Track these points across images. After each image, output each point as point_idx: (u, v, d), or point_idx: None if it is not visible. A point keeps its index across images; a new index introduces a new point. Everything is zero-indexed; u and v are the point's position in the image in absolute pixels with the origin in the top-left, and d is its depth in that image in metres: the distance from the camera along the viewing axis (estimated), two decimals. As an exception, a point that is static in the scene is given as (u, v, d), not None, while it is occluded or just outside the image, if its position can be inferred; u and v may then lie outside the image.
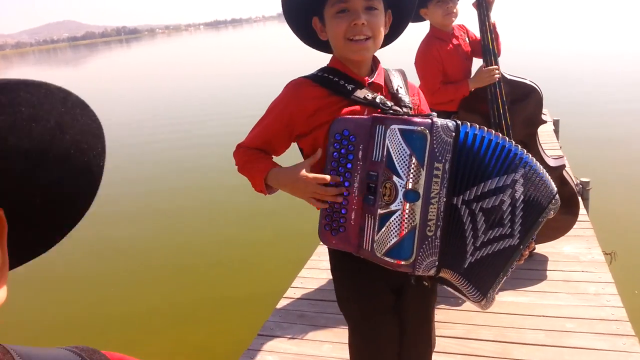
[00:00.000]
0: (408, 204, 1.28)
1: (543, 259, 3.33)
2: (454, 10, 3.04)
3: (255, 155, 1.51)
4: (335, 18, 1.41)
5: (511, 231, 1.35)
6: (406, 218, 1.29)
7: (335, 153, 1.38)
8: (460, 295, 1.47)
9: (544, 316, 2.79)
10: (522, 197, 1.34)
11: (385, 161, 1.31)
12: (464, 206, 1.32)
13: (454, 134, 1.30)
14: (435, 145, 1.28)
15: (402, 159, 1.28)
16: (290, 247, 5.32)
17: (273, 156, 1.57)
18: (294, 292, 3.31)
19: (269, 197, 1.55)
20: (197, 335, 4.22)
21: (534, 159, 1.37)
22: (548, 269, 3.23)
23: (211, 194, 7.77)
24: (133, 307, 4.84)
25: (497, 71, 2.96)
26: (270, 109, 1.54)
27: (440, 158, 1.29)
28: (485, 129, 1.34)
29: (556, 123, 6.44)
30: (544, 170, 1.38)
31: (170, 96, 19.70)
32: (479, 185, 1.32)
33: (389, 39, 1.57)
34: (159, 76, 29.34)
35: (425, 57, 3.09)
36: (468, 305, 2.90)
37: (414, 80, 1.81)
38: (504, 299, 2.96)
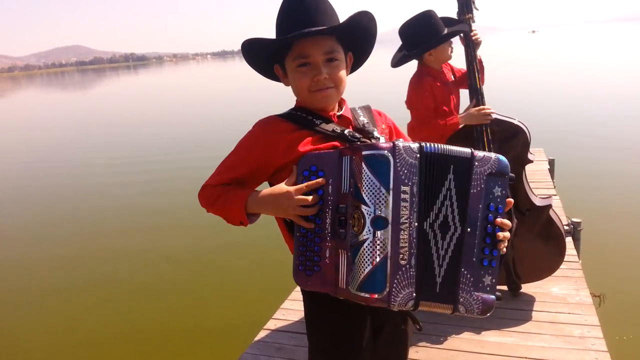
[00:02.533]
0: (377, 232, 1.24)
1: (530, 299, 3.28)
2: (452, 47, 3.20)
3: (226, 189, 1.46)
4: (297, 72, 1.45)
5: (454, 226, 1.30)
6: (376, 247, 1.24)
7: None
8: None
9: (527, 358, 2.73)
10: (454, 188, 1.30)
11: (352, 191, 1.28)
12: (430, 229, 1.29)
13: (418, 155, 1.27)
14: (399, 168, 1.25)
15: (368, 187, 1.25)
16: (273, 277, 5.20)
17: None
18: (275, 323, 3.26)
19: (253, 225, 1.50)
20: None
21: (456, 147, 1.33)
22: (534, 309, 3.18)
23: (192, 219, 7.54)
24: (101, 333, 4.76)
25: (489, 112, 2.98)
26: (238, 146, 1.51)
27: (406, 181, 1.25)
28: (441, 145, 1.30)
29: (551, 162, 6.43)
30: (458, 148, 1.33)
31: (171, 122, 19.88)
32: (436, 204, 1.29)
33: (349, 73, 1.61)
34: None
35: (418, 92, 3.14)
36: (449, 343, 2.88)
37: (397, 116, 1.81)
38: (488, 338, 2.91)
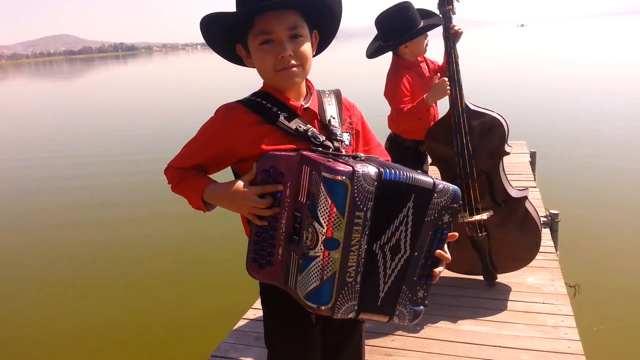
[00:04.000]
0: (328, 252, 1.27)
1: (506, 289, 3.33)
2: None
3: (187, 174, 1.48)
4: (260, 50, 1.39)
5: (404, 249, 1.34)
6: (326, 265, 1.28)
7: None
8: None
9: (500, 347, 2.77)
10: (412, 215, 1.33)
11: (308, 205, 1.30)
12: (380, 250, 1.32)
13: (376, 182, 1.26)
14: (356, 194, 1.24)
15: (323, 207, 1.25)
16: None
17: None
18: (254, 313, 3.28)
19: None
20: (146, 357, 4.18)
21: (418, 175, 1.32)
22: (510, 299, 3.23)
23: (174, 211, 7.33)
24: (83, 324, 4.75)
25: (448, 83, 3.00)
26: (201, 132, 1.49)
27: (361, 207, 1.25)
28: (401, 171, 1.30)
29: (533, 155, 6.48)
30: (423, 176, 1.33)
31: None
32: (389, 228, 1.31)
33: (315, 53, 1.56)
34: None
35: (394, 84, 3.16)
36: (425, 332, 2.92)
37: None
38: (463, 327, 2.96)
